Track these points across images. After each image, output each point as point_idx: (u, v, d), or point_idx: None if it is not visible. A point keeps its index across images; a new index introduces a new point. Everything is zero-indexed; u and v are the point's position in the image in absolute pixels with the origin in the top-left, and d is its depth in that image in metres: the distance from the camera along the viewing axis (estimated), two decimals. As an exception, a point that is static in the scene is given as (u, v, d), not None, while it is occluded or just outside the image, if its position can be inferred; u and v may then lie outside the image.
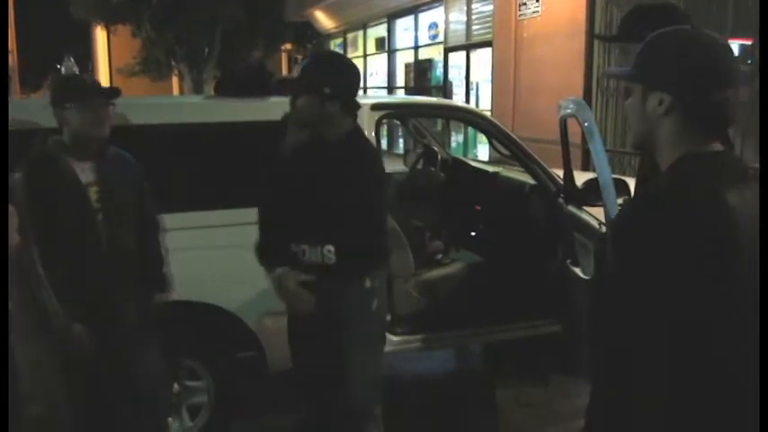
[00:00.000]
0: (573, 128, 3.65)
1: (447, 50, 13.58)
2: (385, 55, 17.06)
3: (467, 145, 12.83)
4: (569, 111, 3.38)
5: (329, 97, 2.66)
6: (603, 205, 3.06)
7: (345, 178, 2.67)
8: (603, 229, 3.17)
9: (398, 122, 7.36)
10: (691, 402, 1.34)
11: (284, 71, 23.74)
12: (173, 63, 18.49)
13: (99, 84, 2.81)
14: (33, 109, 3.22)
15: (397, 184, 5.16)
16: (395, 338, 3.68)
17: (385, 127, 11.77)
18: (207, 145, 3.50)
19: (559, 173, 3.91)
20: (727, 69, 1.43)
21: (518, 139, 4.14)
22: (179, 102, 5.22)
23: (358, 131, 2.85)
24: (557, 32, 9.80)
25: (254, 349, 3.52)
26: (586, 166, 7.81)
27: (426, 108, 4.99)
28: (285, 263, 2.75)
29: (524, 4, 10.61)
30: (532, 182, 4.17)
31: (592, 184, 3.39)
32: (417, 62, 15.18)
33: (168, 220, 3.22)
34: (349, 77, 2.78)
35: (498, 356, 4.63)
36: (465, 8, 12.83)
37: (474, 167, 5.44)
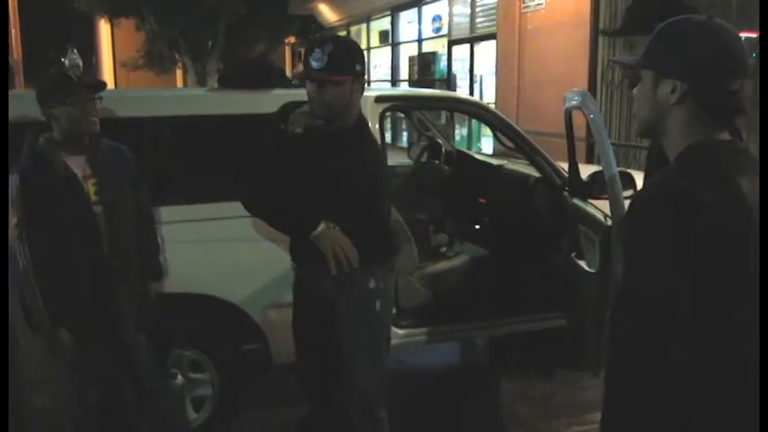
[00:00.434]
0: (578, 120, 3.63)
1: (451, 43, 13.54)
2: (389, 48, 17.02)
3: (471, 138, 12.80)
4: (574, 103, 3.36)
5: (360, 75, 2.65)
6: (609, 198, 3.05)
7: (355, 165, 2.63)
8: (609, 221, 3.16)
9: (402, 115, 7.34)
10: (715, 398, 1.33)
11: (287, 64, 23.68)
12: (176, 56, 18.48)
13: (83, 78, 2.80)
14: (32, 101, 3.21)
15: (402, 177, 5.15)
16: (399, 331, 3.68)
17: (389, 119, 11.76)
18: (211, 137, 3.49)
19: (564, 165, 3.89)
20: (741, 58, 1.42)
21: (522, 132, 4.12)
22: (182, 94, 5.20)
23: (363, 120, 2.83)
24: (561, 25, 9.76)
25: (259, 342, 3.52)
26: (591, 159, 7.79)
27: (430, 100, 4.97)
28: (318, 224, 2.64)
29: (528, -5, 10.57)
30: (537, 175, 4.16)
31: (597, 177, 3.38)
32: (421, 55, 15.13)
33: (173, 212, 3.21)
34: (363, 54, 2.79)
35: (503, 349, 4.63)
36: (469, 1, 12.77)
37: (478, 160, 5.42)
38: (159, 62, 18.61)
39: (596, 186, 3.42)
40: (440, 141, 5.53)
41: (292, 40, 23.06)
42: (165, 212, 3.26)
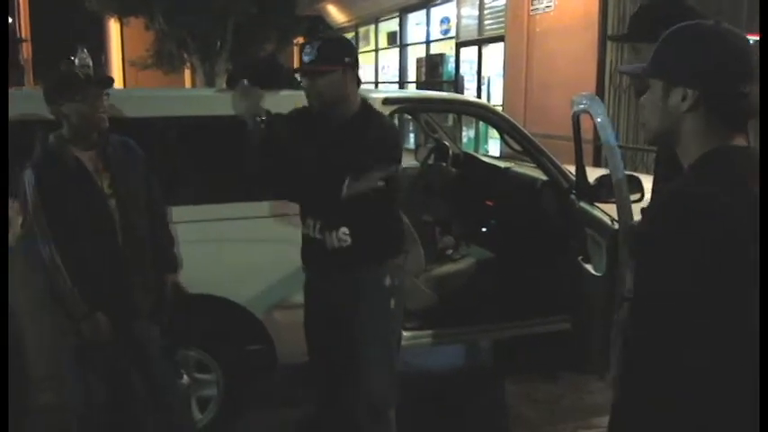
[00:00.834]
0: (585, 124, 3.63)
1: (459, 45, 13.52)
2: (396, 49, 17.01)
3: (478, 140, 12.78)
4: (582, 106, 3.36)
5: (351, 66, 2.68)
6: (616, 202, 3.04)
7: (361, 154, 2.58)
8: (616, 225, 3.15)
9: (410, 117, 7.33)
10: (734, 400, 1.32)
11: (296, 65, 23.70)
12: (185, 56, 18.52)
13: (90, 75, 2.83)
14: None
15: (408, 180, 5.15)
16: (405, 333, 3.67)
17: (396, 122, 11.75)
18: (218, 137, 3.50)
19: (571, 169, 3.89)
20: (750, 62, 1.40)
21: (530, 135, 4.12)
22: (192, 95, 5.21)
23: (369, 109, 2.82)
24: (569, 27, 9.74)
25: (264, 342, 3.53)
26: (598, 162, 7.78)
27: (438, 103, 4.96)
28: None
29: (537, -2, 10.56)
30: (544, 177, 4.15)
31: (604, 181, 3.37)
32: (429, 57, 15.12)
33: (179, 213, 3.22)
34: (354, 48, 2.85)
35: (508, 352, 4.62)
36: (477, 3, 12.76)
37: (485, 163, 5.42)
38: (168, 62, 18.65)
39: (603, 190, 3.41)
40: (447, 143, 5.52)
41: (301, 40, 23.11)
42: (171, 213, 3.26)
